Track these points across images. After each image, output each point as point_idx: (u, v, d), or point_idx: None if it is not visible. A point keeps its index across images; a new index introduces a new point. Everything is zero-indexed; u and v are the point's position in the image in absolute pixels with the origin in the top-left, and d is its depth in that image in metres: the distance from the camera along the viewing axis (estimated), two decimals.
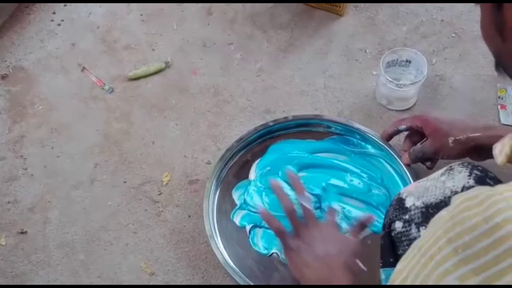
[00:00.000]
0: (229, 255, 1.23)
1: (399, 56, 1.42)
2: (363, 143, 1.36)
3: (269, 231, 1.26)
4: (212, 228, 1.25)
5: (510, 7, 0.63)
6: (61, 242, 1.32)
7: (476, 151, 1.14)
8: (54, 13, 1.68)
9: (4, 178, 1.40)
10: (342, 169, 1.32)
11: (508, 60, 0.68)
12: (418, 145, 1.23)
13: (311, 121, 1.38)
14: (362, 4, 1.64)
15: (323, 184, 1.30)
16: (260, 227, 1.28)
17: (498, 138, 1.05)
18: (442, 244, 0.58)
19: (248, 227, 1.28)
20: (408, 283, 0.61)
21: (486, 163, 1.02)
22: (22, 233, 1.33)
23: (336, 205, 1.26)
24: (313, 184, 1.30)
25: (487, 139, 1.09)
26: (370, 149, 1.35)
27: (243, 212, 1.31)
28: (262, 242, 1.26)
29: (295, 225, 1.03)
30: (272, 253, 1.24)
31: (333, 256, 0.98)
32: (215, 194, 1.31)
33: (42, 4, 1.70)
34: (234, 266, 1.21)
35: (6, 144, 1.45)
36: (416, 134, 1.26)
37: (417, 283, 0.60)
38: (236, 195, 1.33)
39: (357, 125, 1.35)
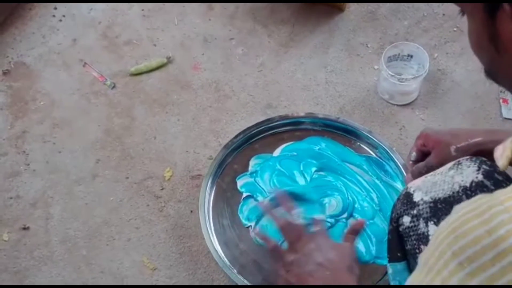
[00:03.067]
0: (223, 252, 1.24)
1: (401, 50, 1.42)
2: (395, 175, 1.32)
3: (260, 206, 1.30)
4: (208, 225, 1.26)
5: (504, 18, 0.62)
6: (64, 238, 1.32)
7: (481, 156, 1.12)
8: (55, 8, 1.68)
9: (6, 174, 1.40)
10: (361, 188, 1.31)
11: (502, 72, 0.67)
12: (421, 162, 1.20)
13: (358, 132, 1.37)
14: None
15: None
16: (255, 199, 1.31)
17: (500, 142, 1.05)
18: (447, 258, 0.58)
19: (244, 195, 1.31)
20: None
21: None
22: (24, 228, 1.33)
23: (320, 216, 1.26)
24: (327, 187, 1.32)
25: (489, 143, 1.07)
26: (398, 184, 1.31)
27: (249, 179, 1.33)
28: (247, 213, 1.29)
29: (289, 240, 1.04)
30: (249, 226, 1.28)
31: (335, 262, 0.99)
32: (211, 189, 1.32)
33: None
34: (227, 261, 1.22)
35: (8, 139, 1.45)
36: (422, 155, 1.24)
37: None
38: (252, 162, 1.35)
39: (397, 155, 1.32)
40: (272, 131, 1.39)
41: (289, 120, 1.39)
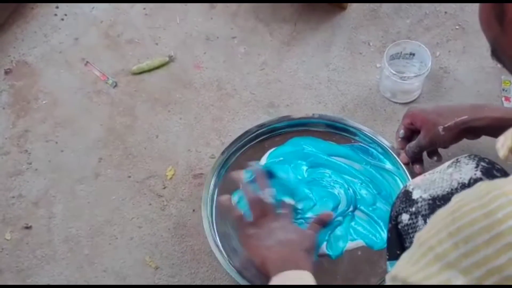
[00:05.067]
0: (226, 251, 1.23)
1: (403, 48, 1.42)
2: (382, 157, 1.33)
3: None
4: (210, 225, 1.25)
5: None
6: (66, 237, 1.32)
7: (469, 132, 1.15)
8: (57, 7, 1.68)
9: (8, 173, 1.41)
10: (354, 177, 1.31)
11: (505, 51, 0.68)
12: (413, 142, 1.22)
13: (336, 124, 1.37)
14: None
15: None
16: None
17: (486, 119, 1.10)
18: (443, 237, 0.59)
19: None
20: (405, 267, 0.63)
21: (491, 155, 1.01)
22: (26, 227, 1.33)
23: (290, 201, 1.26)
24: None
25: (475, 121, 1.11)
26: (388, 164, 1.32)
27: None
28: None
29: (255, 215, 1.08)
30: None
31: (294, 242, 1.03)
32: (215, 187, 1.31)
33: None
34: (226, 257, 1.22)
35: (10, 139, 1.46)
36: (410, 132, 1.26)
37: (415, 269, 0.61)
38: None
39: (381, 138, 1.33)
40: (253, 142, 1.36)
41: (266, 128, 1.37)
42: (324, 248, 1.21)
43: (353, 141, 1.36)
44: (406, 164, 1.26)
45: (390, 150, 1.31)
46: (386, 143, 1.32)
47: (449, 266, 0.58)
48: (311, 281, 0.94)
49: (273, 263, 0.99)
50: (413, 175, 1.24)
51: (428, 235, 0.62)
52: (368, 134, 1.34)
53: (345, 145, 1.36)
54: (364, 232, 1.24)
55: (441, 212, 0.62)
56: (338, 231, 1.24)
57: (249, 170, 1.23)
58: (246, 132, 1.36)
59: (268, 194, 1.12)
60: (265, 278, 0.99)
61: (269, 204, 1.10)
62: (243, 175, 1.17)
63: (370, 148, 1.34)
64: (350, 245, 1.22)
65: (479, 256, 0.56)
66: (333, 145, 1.36)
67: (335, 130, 1.37)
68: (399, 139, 1.26)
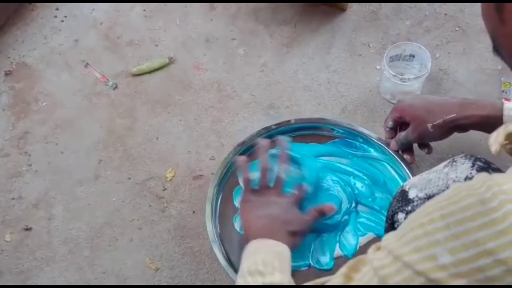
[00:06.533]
0: (229, 255, 1.22)
1: (403, 50, 1.42)
2: (366, 147, 1.33)
3: None
4: (213, 228, 1.23)
5: None
6: (66, 238, 1.32)
7: (457, 129, 1.16)
8: (57, 9, 1.68)
9: (8, 175, 1.41)
10: (345, 173, 1.31)
11: (503, 42, 0.69)
12: (402, 132, 1.24)
13: (314, 125, 1.36)
14: None
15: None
16: None
17: (473, 117, 1.12)
18: (435, 217, 0.62)
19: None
20: (392, 240, 0.66)
21: (487, 155, 1.02)
22: (26, 229, 1.33)
23: (308, 187, 1.22)
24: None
25: (464, 119, 1.13)
26: (373, 152, 1.32)
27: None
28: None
29: (262, 184, 1.11)
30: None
31: (283, 220, 1.06)
32: (218, 194, 1.28)
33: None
34: (226, 259, 1.20)
35: (10, 140, 1.46)
36: (398, 124, 1.27)
37: (402, 242, 0.64)
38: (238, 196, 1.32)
39: (360, 128, 1.33)
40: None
41: (247, 145, 1.33)
42: (338, 250, 1.22)
43: (333, 137, 1.36)
44: (397, 151, 1.28)
45: (372, 138, 1.32)
46: (365, 132, 1.33)
47: (437, 243, 0.60)
48: (286, 251, 0.98)
49: (253, 231, 1.03)
50: (403, 159, 1.27)
51: (419, 214, 0.64)
52: (346, 127, 1.34)
53: (327, 144, 1.35)
54: (371, 224, 1.24)
55: (437, 197, 0.65)
56: (347, 229, 1.24)
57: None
58: (232, 152, 1.32)
59: (283, 170, 1.14)
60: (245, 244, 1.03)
61: (278, 179, 1.13)
62: (267, 144, 1.19)
63: (351, 141, 1.35)
64: (362, 240, 1.23)
65: (470, 238, 0.58)
66: (315, 146, 1.35)
67: (314, 131, 1.37)
68: (387, 129, 1.27)
